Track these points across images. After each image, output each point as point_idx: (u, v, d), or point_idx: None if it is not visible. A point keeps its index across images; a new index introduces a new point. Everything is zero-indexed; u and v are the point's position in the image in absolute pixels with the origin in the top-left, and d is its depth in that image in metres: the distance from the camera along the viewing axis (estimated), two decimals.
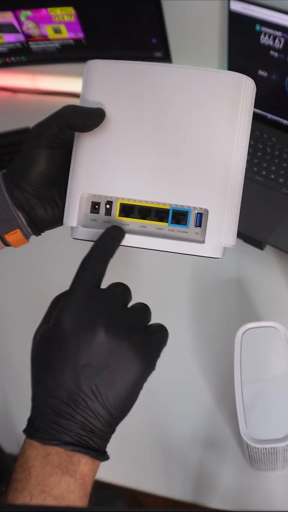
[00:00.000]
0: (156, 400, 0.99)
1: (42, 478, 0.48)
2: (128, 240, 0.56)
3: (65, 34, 1.31)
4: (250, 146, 1.21)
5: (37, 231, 0.61)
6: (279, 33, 1.09)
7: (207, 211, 0.54)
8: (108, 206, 0.57)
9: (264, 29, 1.11)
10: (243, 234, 1.13)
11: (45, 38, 1.33)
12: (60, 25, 1.29)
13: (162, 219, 0.56)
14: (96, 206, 0.57)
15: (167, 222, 0.56)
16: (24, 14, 1.28)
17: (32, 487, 0.48)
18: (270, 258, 1.15)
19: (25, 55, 1.39)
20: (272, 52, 1.13)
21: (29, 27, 1.30)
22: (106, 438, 0.51)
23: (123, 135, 0.56)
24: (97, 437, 0.50)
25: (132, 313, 0.53)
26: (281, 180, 1.18)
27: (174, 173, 0.54)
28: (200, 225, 0.55)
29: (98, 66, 0.57)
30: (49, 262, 1.22)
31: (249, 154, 1.20)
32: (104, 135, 0.56)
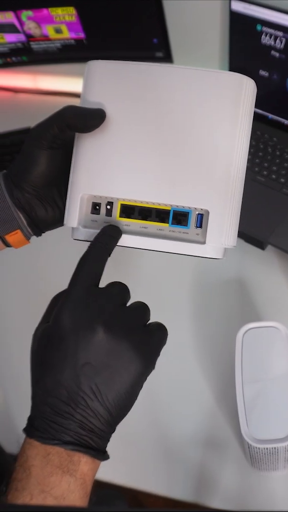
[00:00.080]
0: (156, 400, 0.99)
1: (42, 477, 0.48)
2: (129, 241, 0.56)
3: (66, 34, 1.31)
4: (251, 146, 1.21)
5: (38, 231, 0.61)
6: (280, 33, 1.09)
7: (207, 212, 0.54)
8: (108, 207, 0.57)
9: (265, 29, 1.11)
10: (244, 234, 1.13)
11: (46, 38, 1.33)
12: (61, 25, 1.29)
13: (163, 220, 0.56)
14: (97, 207, 0.57)
15: (168, 223, 0.56)
16: (25, 14, 1.28)
17: (32, 486, 0.48)
18: (271, 258, 1.15)
19: (26, 55, 1.39)
20: (273, 52, 1.13)
21: (30, 27, 1.30)
22: (106, 438, 0.51)
23: (124, 135, 0.55)
24: (97, 436, 0.50)
25: (131, 312, 0.53)
26: (282, 180, 1.18)
27: (174, 174, 0.54)
28: (201, 226, 0.55)
29: (99, 67, 0.57)
30: (50, 263, 1.22)
31: (250, 154, 1.21)
32: (105, 136, 0.56)
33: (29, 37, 1.33)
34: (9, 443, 1.04)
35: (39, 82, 1.53)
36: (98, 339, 0.50)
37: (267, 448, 0.81)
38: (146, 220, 0.56)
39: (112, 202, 0.57)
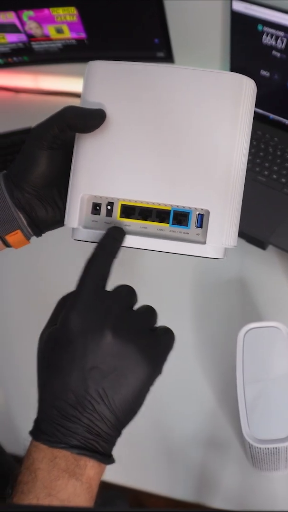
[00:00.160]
0: (158, 400, 0.99)
1: (49, 481, 0.48)
2: (129, 241, 0.56)
3: (67, 34, 1.31)
4: (252, 146, 1.21)
5: (38, 232, 0.61)
6: (281, 33, 1.09)
7: (208, 212, 0.54)
8: (109, 207, 0.57)
9: (266, 29, 1.11)
10: (245, 234, 1.13)
11: (47, 38, 1.33)
12: (62, 25, 1.29)
13: (163, 220, 0.56)
14: (97, 207, 0.57)
15: (168, 223, 0.56)
16: (27, 14, 1.28)
17: (39, 490, 0.48)
18: (272, 258, 1.15)
19: (27, 55, 1.39)
20: (274, 52, 1.13)
21: (31, 27, 1.30)
22: (112, 442, 0.51)
23: (124, 136, 0.56)
24: (103, 440, 0.50)
25: (139, 315, 0.53)
26: (283, 180, 1.18)
27: (175, 174, 0.54)
28: (201, 226, 0.55)
29: (99, 67, 0.57)
30: (50, 263, 1.22)
31: (251, 154, 1.21)
32: (105, 136, 0.56)
33: (30, 37, 1.33)
34: (9, 443, 1.04)
35: (40, 82, 1.53)
36: (106, 343, 0.49)
37: (268, 448, 0.81)
38: (147, 220, 0.56)
39: (112, 203, 0.57)
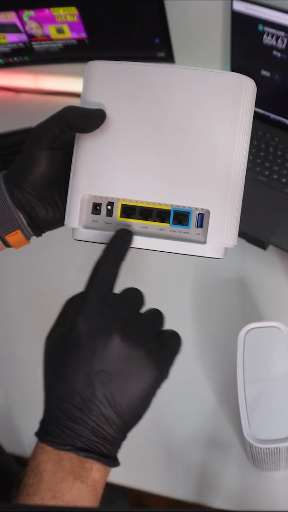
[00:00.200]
0: (158, 400, 0.99)
1: (54, 483, 0.48)
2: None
3: (68, 34, 1.31)
4: (252, 146, 1.21)
5: (38, 232, 0.61)
6: (282, 33, 1.09)
7: (208, 211, 0.54)
8: (109, 207, 0.57)
9: (267, 29, 1.11)
10: (246, 234, 1.13)
11: (48, 38, 1.33)
12: (63, 25, 1.29)
13: (164, 220, 0.56)
14: (98, 207, 0.57)
15: (168, 223, 0.56)
16: (27, 14, 1.28)
17: (44, 492, 0.48)
18: (273, 258, 1.15)
19: (28, 55, 1.39)
20: (275, 52, 1.13)
21: (32, 27, 1.30)
22: (117, 445, 0.51)
23: (124, 136, 0.55)
24: (109, 443, 0.50)
25: (147, 319, 0.52)
26: (283, 180, 1.18)
27: (175, 174, 0.54)
28: (201, 226, 0.55)
29: (99, 67, 0.57)
30: (50, 263, 1.22)
31: (251, 154, 1.21)
32: (105, 136, 0.56)
33: (31, 37, 1.33)
34: (9, 443, 1.04)
35: (41, 82, 1.53)
36: (113, 346, 0.49)
37: (268, 448, 0.81)
38: (147, 220, 0.56)
39: (112, 203, 0.57)
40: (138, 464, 0.97)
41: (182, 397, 1.02)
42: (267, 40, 1.12)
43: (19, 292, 1.21)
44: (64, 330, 0.51)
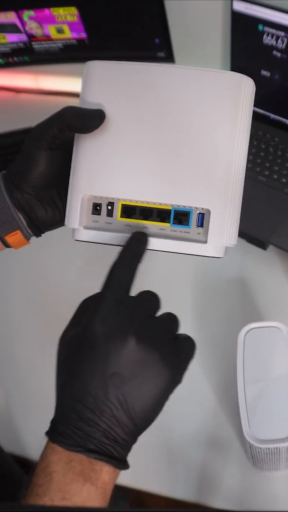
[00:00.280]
0: None
1: (64, 484, 0.48)
2: None
3: (68, 34, 1.31)
4: (252, 146, 1.21)
5: (38, 232, 0.61)
6: (282, 33, 1.09)
7: (209, 211, 0.54)
8: (109, 207, 0.57)
9: (267, 29, 1.11)
10: (246, 234, 1.13)
11: (48, 38, 1.33)
12: (63, 25, 1.29)
13: (164, 219, 0.56)
14: (98, 207, 0.57)
15: (169, 222, 0.56)
16: (27, 14, 1.28)
17: (53, 493, 0.47)
18: (273, 258, 1.15)
19: (28, 55, 1.39)
20: (275, 52, 1.13)
21: (32, 27, 1.30)
22: (128, 448, 0.51)
23: (124, 136, 0.55)
24: (119, 446, 0.50)
25: (162, 323, 0.52)
26: (283, 180, 1.17)
27: (175, 174, 0.54)
28: (202, 225, 0.55)
29: (97, 67, 0.57)
30: (50, 263, 1.22)
31: (251, 154, 1.21)
32: (104, 136, 0.56)
33: (31, 37, 1.33)
34: (9, 443, 1.04)
35: (41, 82, 1.53)
36: (128, 350, 0.49)
37: (269, 448, 0.81)
38: (147, 220, 0.56)
39: (113, 203, 0.57)
40: (138, 464, 0.97)
41: (182, 397, 1.02)
42: (267, 40, 1.12)
43: (19, 293, 1.21)
44: (79, 331, 0.51)
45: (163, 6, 1.19)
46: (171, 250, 0.56)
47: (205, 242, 0.55)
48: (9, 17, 1.29)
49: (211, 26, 1.24)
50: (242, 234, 1.12)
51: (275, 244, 1.11)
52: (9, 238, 0.59)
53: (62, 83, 1.49)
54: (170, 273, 1.16)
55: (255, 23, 1.12)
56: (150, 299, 0.53)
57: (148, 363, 0.49)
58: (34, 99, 1.52)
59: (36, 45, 1.35)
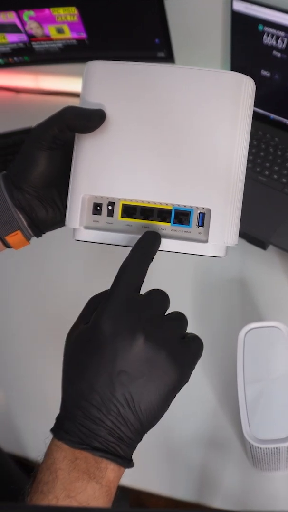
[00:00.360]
0: None
1: (69, 482, 0.48)
2: (131, 241, 0.56)
3: (68, 34, 1.31)
4: (252, 146, 1.21)
5: (38, 232, 0.61)
6: (282, 33, 1.09)
7: (209, 210, 0.54)
8: (110, 207, 0.57)
9: (267, 29, 1.11)
10: (246, 234, 1.13)
11: (48, 38, 1.33)
12: (63, 25, 1.29)
13: (165, 219, 0.56)
14: (98, 207, 0.57)
15: (169, 222, 0.56)
16: (27, 14, 1.28)
17: (58, 490, 0.47)
18: (273, 258, 1.15)
19: (28, 55, 1.39)
20: (275, 52, 1.13)
21: (32, 27, 1.30)
22: (133, 446, 0.51)
23: (124, 136, 0.55)
24: (125, 444, 0.50)
25: (171, 322, 0.52)
26: (284, 180, 1.18)
27: (175, 173, 0.54)
28: (202, 225, 0.55)
29: (98, 67, 0.57)
30: (50, 264, 1.22)
31: (252, 154, 1.21)
32: (105, 136, 0.56)
33: (31, 37, 1.33)
34: (9, 443, 1.04)
35: (41, 82, 1.53)
36: (136, 348, 0.49)
37: (269, 448, 0.81)
38: (148, 220, 0.56)
39: (113, 203, 0.57)
40: (138, 464, 0.97)
41: (182, 397, 1.02)
42: (267, 40, 1.12)
43: (19, 293, 1.21)
44: (87, 328, 0.51)
45: (163, 6, 1.19)
46: (172, 250, 0.56)
47: (206, 241, 0.55)
48: (9, 17, 1.29)
49: (211, 26, 1.24)
50: (242, 234, 1.12)
51: (275, 244, 1.11)
52: (9, 239, 0.59)
53: (62, 83, 1.49)
54: (170, 273, 1.16)
55: (255, 23, 1.12)
56: (159, 297, 0.53)
57: (155, 362, 0.49)
58: (34, 99, 1.52)
59: (36, 45, 1.35)
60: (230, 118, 0.54)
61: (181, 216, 0.56)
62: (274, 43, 1.12)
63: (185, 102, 0.54)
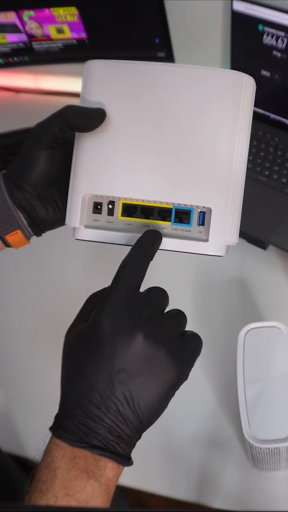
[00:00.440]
0: None
1: (68, 481, 0.48)
2: (131, 240, 0.56)
3: (68, 34, 1.31)
4: (253, 146, 1.21)
5: (38, 231, 0.61)
6: (282, 33, 1.09)
7: (210, 209, 0.54)
8: (110, 206, 0.57)
9: (267, 29, 1.11)
10: (246, 234, 1.13)
11: (48, 38, 1.33)
12: (63, 25, 1.29)
13: (165, 218, 0.56)
14: (98, 206, 0.57)
15: (170, 221, 0.56)
16: (27, 14, 1.28)
17: (57, 489, 0.47)
18: (273, 258, 1.15)
19: (28, 55, 1.39)
20: (275, 52, 1.13)
21: (32, 27, 1.30)
22: (132, 444, 0.51)
23: (124, 135, 0.55)
24: (124, 442, 0.50)
25: (170, 320, 0.52)
26: (284, 180, 1.17)
27: (176, 173, 0.54)
28: (203, 224, 0.55)
29: (98, 66, 0.57)
30: (50, 263, 1.22)
31: (252, 154, 1.21)
32: (105, 135, 0.56)
33: (31, 37, 1.33)
34: (8, 443, 1.04)
35: (41, 82, 1.53)
36: (136, 346, 0.49)
37: (269, 448, 0.81)
38: (148, 219, 0.56)
39: (113, 202, 0.57)
40: (139, 464, 0.97)
41: (182, 397, 1.02)
42: (267, 40, 1.12)
43: (19, 292, 1.21)
44: (86, 325, 0.51)
45: (163, 6, 1.19)
46: (172, 249, 0.56)
47: (207, 240, 0.55)
48: (9, 17, 1.29)
49: (211, 26, 1.24)
50: (242, 234, 1.11)
51: (275, 244, 1.11)
52: (9, 238, 0.59)
53: (62, 83, 1.49)
54: (170, 273, 1.16)
55: (255, 23, 1.12)
56: (158, 295, 0.53)
57: (155, 360, 0.49)
58: (34, 99, 1.52)
59: (36, 45, 1.35)
60: (230, 117, 0.54)
61: (182, 215, 0.56)
62: (274, 43, 1.12)
63: (185, 101, 0.54)
